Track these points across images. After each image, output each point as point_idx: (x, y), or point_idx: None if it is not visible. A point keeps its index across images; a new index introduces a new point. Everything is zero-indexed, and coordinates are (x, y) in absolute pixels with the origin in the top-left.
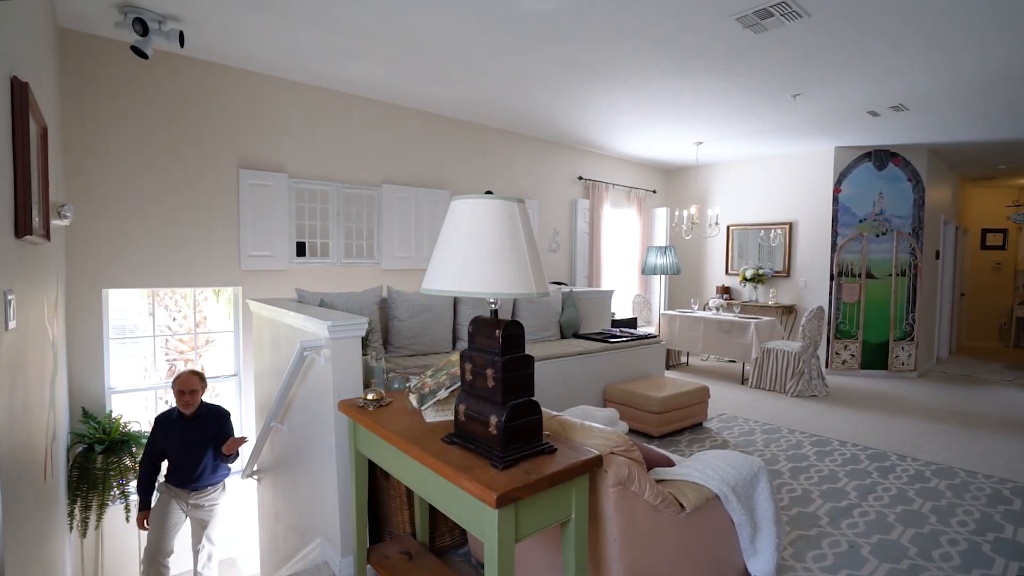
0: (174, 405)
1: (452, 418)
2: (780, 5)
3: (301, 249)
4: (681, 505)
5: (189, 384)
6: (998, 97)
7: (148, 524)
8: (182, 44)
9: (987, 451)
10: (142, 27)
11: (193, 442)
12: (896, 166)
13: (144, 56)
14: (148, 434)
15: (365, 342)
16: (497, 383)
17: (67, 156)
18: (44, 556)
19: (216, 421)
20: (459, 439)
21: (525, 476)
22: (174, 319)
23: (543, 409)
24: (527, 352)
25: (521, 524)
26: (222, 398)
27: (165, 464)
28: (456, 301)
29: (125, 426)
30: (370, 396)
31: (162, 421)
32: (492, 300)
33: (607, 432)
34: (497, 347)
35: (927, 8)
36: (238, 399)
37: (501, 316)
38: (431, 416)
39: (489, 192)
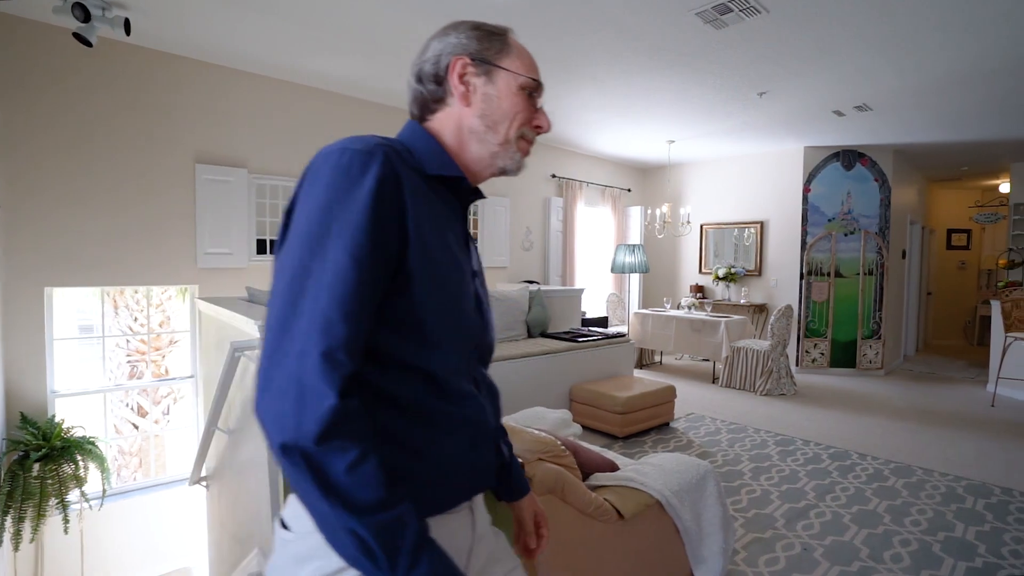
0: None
1: None
2: (738, 0)
3: (262, 247)
4: (619, 513)
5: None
6: (959, 98)
7: None
8: (128, 32)
9: (946, 448)
10: (83, 13)
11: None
12: (863, 166)
13: (88, 44)
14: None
15: None
16: None
17: (6, 149)
18: None
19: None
20: None
21: None
22: (135, 319)
23: None
24: None
25: None
26: (184, 402)
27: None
28: None
29: (68, 431)
30: None
31: (401, 194)
32: None
33: (539, 436)
34: None
35: (885, 7)
36: (195, 402)
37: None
38: None
39: None
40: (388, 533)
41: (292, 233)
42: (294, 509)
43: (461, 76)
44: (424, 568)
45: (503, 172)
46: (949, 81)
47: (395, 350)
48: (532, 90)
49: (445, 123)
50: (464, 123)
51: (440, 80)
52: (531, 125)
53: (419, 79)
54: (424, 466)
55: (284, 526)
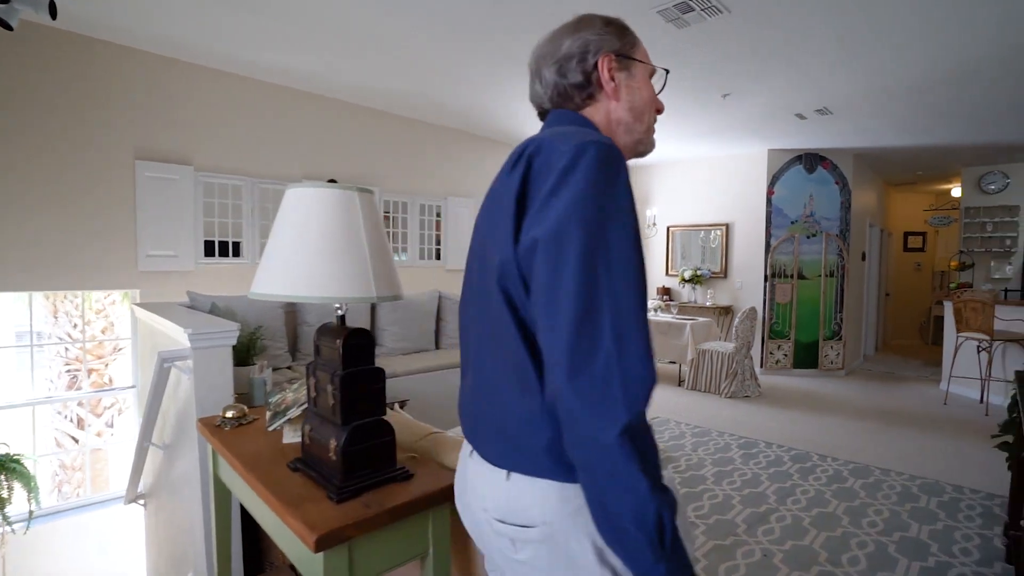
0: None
1: None
2: None
3: (210, 249)
4: None
5: None
6: (914, 104)
7: None
8: (54, 16)
9: (902, 448)
10: None
11: None
12: (825, 169)
13: (8, 27)
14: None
15: (251, 351)
16: (336, 402)
17: None
18: None
19: None
20: (303, 465)
21: (363, 510)
22: (75, 325)
23: (425, 425)
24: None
25: (358, 566)
26: (129, 413)
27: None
28: (374, 304)
29: None
30: (229, 413)
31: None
32: (338, 305)
33: None
34: (338, 359)
35: (841, 11)
36: (137, 413)
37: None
38: (289, 436)
39: (332, 181)
40: (673, 511)
41: (557, 224)
42: (523, 503)
43: (610, 71)
44: (681, 549)
45: (639, 155)
46: (904, 87)
47: None
48: (654, 76)
49: (595, 116)
50: (613, 116)
51: (588, 76)
52: (656, 109)
53: (562, 74)
54: None
55: (522, 525)
